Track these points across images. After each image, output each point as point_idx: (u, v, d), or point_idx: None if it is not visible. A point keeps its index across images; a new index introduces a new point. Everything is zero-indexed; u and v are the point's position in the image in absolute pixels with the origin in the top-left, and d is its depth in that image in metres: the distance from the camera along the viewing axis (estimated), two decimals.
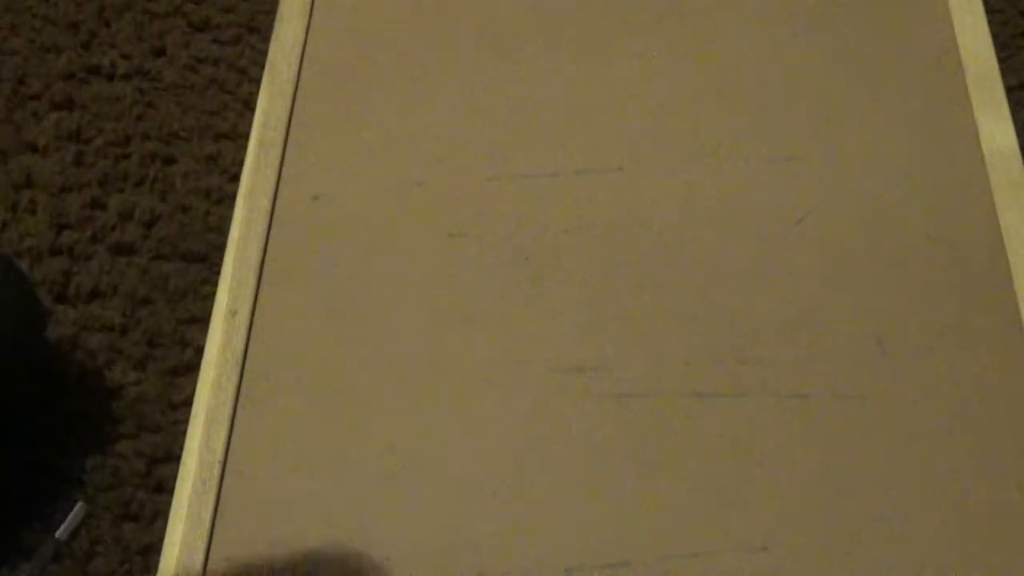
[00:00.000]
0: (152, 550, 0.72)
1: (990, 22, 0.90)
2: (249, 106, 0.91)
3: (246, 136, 0.88)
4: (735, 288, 0.79)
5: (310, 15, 0.94)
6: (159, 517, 0.73)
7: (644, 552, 0.69)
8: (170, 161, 0.90)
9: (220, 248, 0.83)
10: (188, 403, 0.77)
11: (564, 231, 0.81)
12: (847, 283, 0.79)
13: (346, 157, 0.86)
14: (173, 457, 0.76)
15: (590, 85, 0.89)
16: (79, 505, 0.66)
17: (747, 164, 0.84)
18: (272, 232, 0.82)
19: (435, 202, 0.83)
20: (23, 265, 0.90)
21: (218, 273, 0.81)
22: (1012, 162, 0.83)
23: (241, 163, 0.86)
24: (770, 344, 0.76)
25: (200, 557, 0.69)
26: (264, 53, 0.92)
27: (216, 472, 0.72)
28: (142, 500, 0.76)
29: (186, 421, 0.76)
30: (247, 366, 0.76)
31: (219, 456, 0.73)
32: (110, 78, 0.94)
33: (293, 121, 0.88)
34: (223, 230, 0.84)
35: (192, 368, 0.79)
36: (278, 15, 0.94)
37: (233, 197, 0.85)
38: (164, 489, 0.75)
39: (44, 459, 0.77)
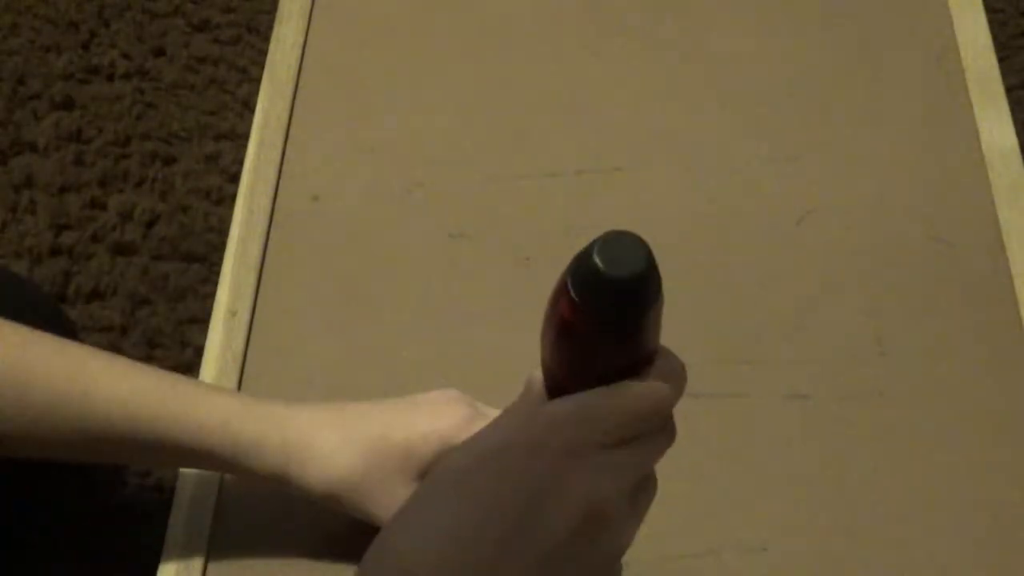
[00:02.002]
0: (152, 551, 0.72)
1: (990, 22, 0.90)
2: (249, 106, 0.91)
3: (246, 136, 0.88)
4: (735, 288, 0.79)
5: (310, 15, 0.94)
6: (159, 517, 0.73)
7: (644, 552, 0.69)
8: (170, 161, 0.90)
9: (220, 248, 0.83)
10: None
11: (564, 231, 0.81)
12: (847, 283, 0.79)
13: (346, 157, 0.86)
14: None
15: (590, 85, 0.89)
16: None
17: (747, 164, 0.84)
18: (272, 232, 0.82)
19: (435, 202, 0.83)
20: (23, 266, 0.90)
21: (218, 273, 0.81)
22: (1012, 162, 0.83)
23: (241, 163, 0.86)
24: (770, 344, 0.76)
25: (200, 558, 0.69)
26: (264, 53, 0.92)
27: (216, 475, 0.72)
28: (142, 500, 0.76)
29: None
30: (247, 366, 0.76)
31: None
32: (110, 78, 0.94)
33: (293, 121, 0.88)
34: (223, 230, 0.84)
35: (192, 368, 0.79)
36: (278, 15, 0.94)
37: (233, 197, 0.85)
38: (164, 489, 0.75)
39: (44, 463, 0.77)
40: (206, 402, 0.63)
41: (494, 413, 0.66)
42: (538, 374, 0.49)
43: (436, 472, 0.48)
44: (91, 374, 0.62)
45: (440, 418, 0.64)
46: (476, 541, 0.44)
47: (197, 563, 0.69)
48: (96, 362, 0.64)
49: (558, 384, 0.47)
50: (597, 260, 0.42)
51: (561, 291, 0.44)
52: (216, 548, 0.70)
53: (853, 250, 0.80)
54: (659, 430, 0.47)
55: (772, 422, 0.73)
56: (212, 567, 0.69)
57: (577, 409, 0.45)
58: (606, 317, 0.43)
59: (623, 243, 0.43)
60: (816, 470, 0.71)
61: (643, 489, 0.47)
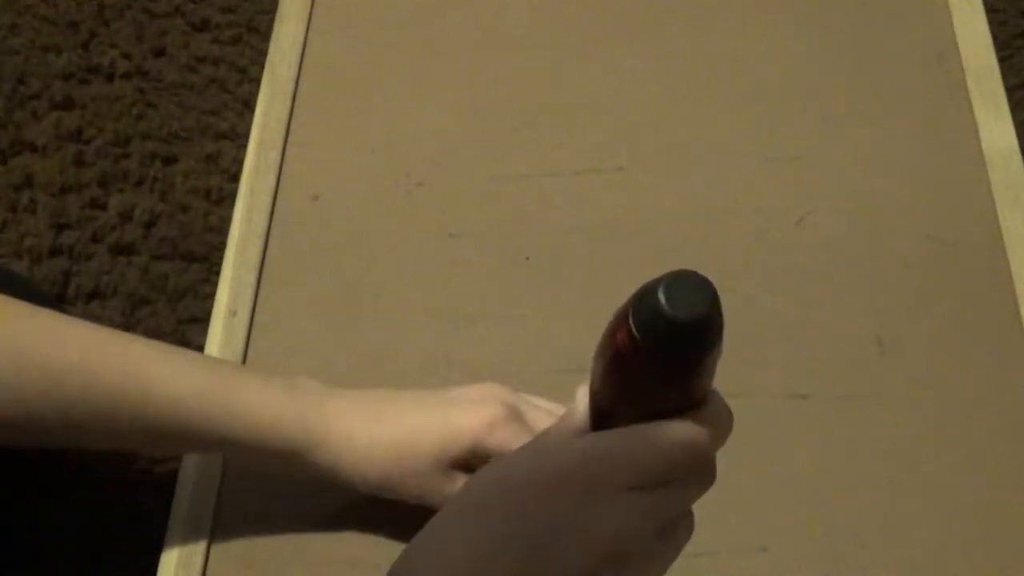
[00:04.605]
0: (152, 550, 0.72)
1: (990, 22, 0.90)
2: (249, 106, 0.91)
3: (246, 136, 0.88)
4: (735, 288, 0.79)
5: (310, 15, 0.94)
6: (160, 517, 0.73)
7: None
8: (170, 161, 0.90)
9: (220, 248, 0.83)
10: None
11: (564, 231, 0.81)
12: (847, 283, 0.79)
13: (346, 157, 0.86)
14: (174, 457, 0.76)
15: (590, 85, 0.89)
16: None
17: (747, 164, 0.84)
18: (272, 232, 0.82)
19: (435, 202, 0.83)
20: (23, 266, 0.90)
21: (218, 273, 0.81)
22: (1012, 162, 0.83)
23: (241, 163, 0.86)
24: (770, 344, 0.76)
25: (200, 558, 0.69)
26: (264, 53, 0.92)
27: (216, 472, 0.72)
28: (142, 500, 0.76)
29: None
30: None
31: (220, 456, 0.73)
32: (110, 78, 0.94)
33: (293, 121, 0.88)
34: (223, 230, 0.84)
35: None
36: (278, 15, 0.94)
37: (233, 197, 0.85)
38: (164, 488, 0.75)
39: (45, 459, 0.77)
40: (251, 400, 0.64)
41: (536, 402, 0.68)
42: (583, 395, 0.48)
43: (463, 491, 0.48)
44: (99, 354, 0.63)
45: (474, 415, 0.65)
46: (494, 567, 0.44)
47: (197, 562, 0.69)
48: (143, 349, 0.64)
49: (603, 409, 0.47)
50: (661, 298, 0.41)
51: (621, 321, 0.43)
52: (216, 546, 0.70)
53: (853, 250, 0.80)
54: (695, 473, 0.46)
55: (772, 422, 0.73)
56: (212, 565, 0.69)
57: (611, 447, 0.44)
58: (662, 357, 0.42)
59: (690, 283, 0.42)
60: (816, 470, 0.71)
61: (675, 528, 0.47)
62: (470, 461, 0.65)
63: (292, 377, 0.68)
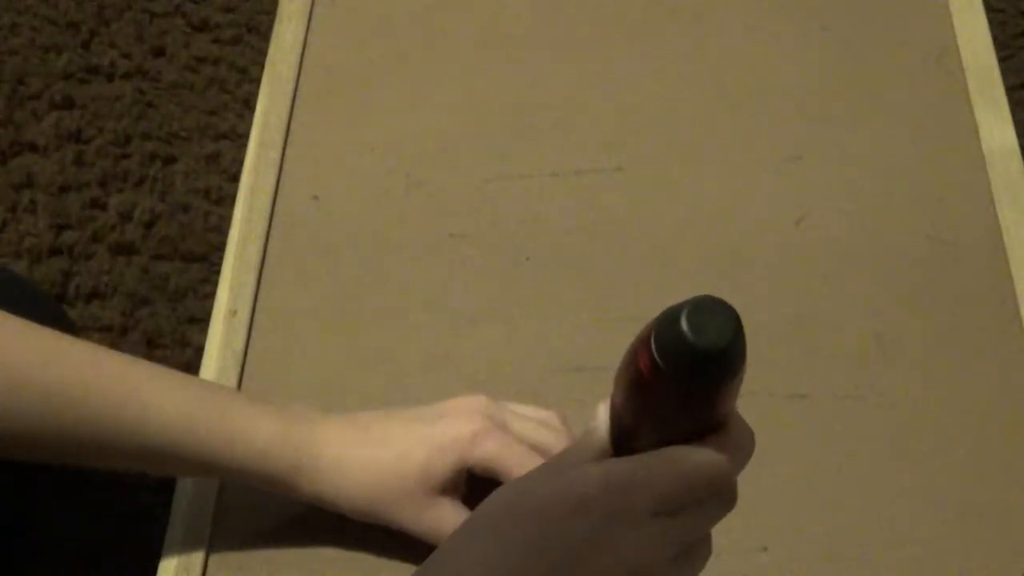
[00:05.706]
0: (152, 551, 0.72)
1: (990, 22, 0.90)
2: (249, 106, 0.91)
3: (246, 136, 0.88)
4: (735, 288, 0.79)
5: (310, 15, 0.94)
6: (159, 517, 0.73)
7: None
8: (170, 161, 0.90)
9: (220, 248, 0.83)
10: None
11: (564, 231, 0.81)
12: (847, 283, 0.79)
13: (346, 157, 0.86)
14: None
15: (590, 85, 0.89)
16: None
17: (747, 164, 0.84)
18: (272, 232, 0.82)
19: (435, 202, 0.83)
20: (23, 266, 0.90)
21: (218, 273, 0.81)
22: (1012, 162, 0.83)
23: (241, 163, 0.86)
24: (770, 344, 0.76)
25: (200, 558, 0.69)
26: (264, 53, 0.92)
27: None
28: (142, 500, 0.76)
29: None
30: (247, 366, 0.76)
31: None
32: (110, 78, 0.94)
33: (293, 121, 0.88)
34: (223, 230, 0.84)
35: (192, 368, 0.79)
36: (278, 15, 0.94)
37: (233, 197, 0.85)
38: (164, 489, 0.75)
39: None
40: (237, 428, 0.64)
41: (521, 410, 0.67)
42: (603, 414, 0.48)
43: (479, 510, 0.47)
44: (102, 378, 0.63)
45: (456, 431, 0.65)
46: None
47: (197, 563, 0.69)
48: (139, 371, 0.64)
49: (623, 429, 0.46)
50: (684, 326, 0.41)
51: (643, 344, 0.43)
52: (216, 548, 0.70)
53: (853, 250, 0.80)
54: (715, 497, 0.46)
55: (772, 422, 0.73)
56: (212, 567, 0.69)
57: (631, 473, 0.44)
58: (685, 383, 0.42)
59: (713, 311, 0.42)
60: (816, 470, 0.71)
61: (693, 551, 0.46)
62: (457, 480, 0.65)
63: (285, 405, 0.68)
